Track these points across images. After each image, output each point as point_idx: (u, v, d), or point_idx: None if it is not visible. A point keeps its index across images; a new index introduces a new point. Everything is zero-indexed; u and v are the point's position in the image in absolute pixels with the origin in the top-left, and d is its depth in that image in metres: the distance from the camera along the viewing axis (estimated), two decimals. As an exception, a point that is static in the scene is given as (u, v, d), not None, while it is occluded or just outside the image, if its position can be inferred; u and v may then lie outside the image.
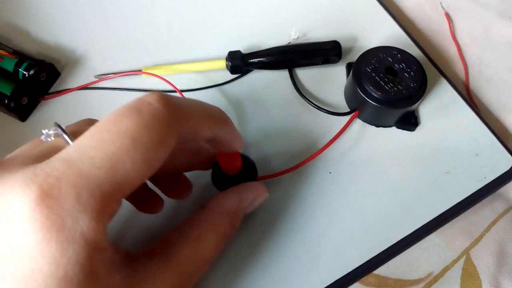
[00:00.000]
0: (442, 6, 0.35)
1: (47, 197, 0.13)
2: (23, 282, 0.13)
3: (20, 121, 0.28)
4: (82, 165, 0.13)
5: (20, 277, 0.13)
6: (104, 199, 0.14)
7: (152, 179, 0.22)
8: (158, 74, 0.29)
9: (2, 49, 0.28)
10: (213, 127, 0.18)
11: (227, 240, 0.20)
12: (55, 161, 0.14)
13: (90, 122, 0.20)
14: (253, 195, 0.21)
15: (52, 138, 0.16)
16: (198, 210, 0.20)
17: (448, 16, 0.34)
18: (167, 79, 0.28)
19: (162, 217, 0.23)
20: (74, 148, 0.14)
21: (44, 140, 0.17)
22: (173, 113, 0.15)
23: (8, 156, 0.16)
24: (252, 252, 0.23)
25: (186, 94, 0.28)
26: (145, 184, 0.19)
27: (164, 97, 0.15)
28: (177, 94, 0.28)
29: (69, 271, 0.13)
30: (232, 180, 0.22)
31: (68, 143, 0.16)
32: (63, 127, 0.16)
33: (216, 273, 0.22)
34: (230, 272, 0.23)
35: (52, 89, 0.29)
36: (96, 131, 0.14)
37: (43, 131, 0.17)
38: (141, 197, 0.21)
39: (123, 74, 0.29)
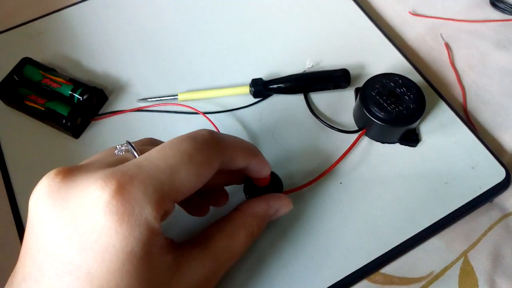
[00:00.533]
0: (442, 37, 0.39)
1: (123, 190, 0.17)
2: (100, 254, 0.17)
3: (74, 138, 0.32)
4: (150, 170, 0.18)
5: (98, 250, 0.17)
6: (164, 196, 0.18)
7: (198, 192, 0.26)
8: (191, 98, 0.33)
9: (60, 77, 0.33)
10: (247, 158, 0.22)
11: (254, 239, 0.24)
12: (130, 165, 0.18)
13: (151, 140, 0.25)
14: (279, 204, 0.25)
15: (123, 153, 0.21)
16: (232, 211, 0.25)
17: (447, 46, 0.38)
18: (197, 109, 0.33)
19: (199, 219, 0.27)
20: (145, 158, 0.19)
21: (117, 153, 0.21)
22: (217, 143, 0.20)
23: (87, 160, 0.21)
24: (274, 251, 0.27)
25: (214, 116, 0.33)
26: (195, 194, 0.23)
27: (212, 132, 0.21)
28: (209, 123, 0.32)
29: (134, 247, 0.17)
30: (261, 192, 0.26)
31: (135, 156, 0.20)
32: (132, 144, 0.21)
33: (243, 266, 0.26)
34: (255, 265, 0.26)
35: (101, 111, 0.34)
36: (162, 148, 0.19)
37: (117, 146, 0.21)
38: (192, 204, 0.25)
39: (162, 100, 0.33)
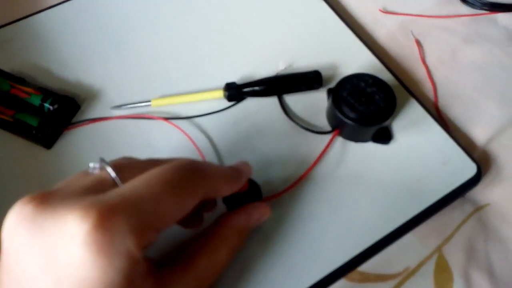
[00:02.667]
0: (412, 34, 0.39)
1: (104, 221, 0.16)
2: (77, 286, 0.16)
3: (46, 149, 0.32)
4: (133, 199, 0.17)
5: (75, 283, 0.16)
6: (147, 226, 0.18)
7: None
8: (165, 104, 0.33)
9: (29, 87, 0.33)
10: (230, 187, 0.23)
11: (236, 252, 0.24)
12: (112, 194, 0.18)
13: (126, 157, 0.24)
14: (259, 214, 0.26)
15: (97, 171, 0.20)
16: (212, 225, 0.24)
17: (418, 42, 0.39)
18: (169, 116, 0.32)
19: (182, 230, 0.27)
20: (129, 187, 0.18)
21: (91, 172, 0.20)
22: (201, 173, 0.21)
23: (58, 185, 0.20)
24: (251, 256, 0.27)
25: (189, 121, 0.33)
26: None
27: (196, 162, 0.21)
28: (182, 135, 0.32)
29: (114, 278, 0.16)
30: (240, 197, 0.26)
31: (110, 174, 0.20)
32: (106, 161, 0.20)
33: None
34: (235, 272, 0.26)
35: (74, 120, 0.33)
36: (146, 177, 0.19)
37: (90, 165, 0.21)
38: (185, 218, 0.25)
39: (135, 107, 0.33)
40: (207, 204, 0.26)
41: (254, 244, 0.27)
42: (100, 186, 0.19)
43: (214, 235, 0.23)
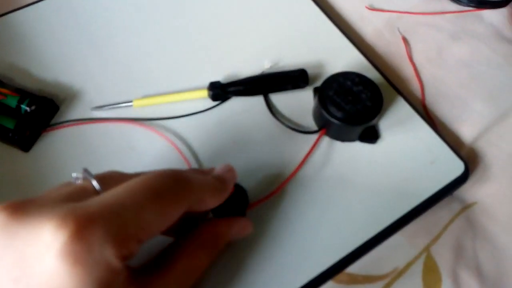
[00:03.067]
0: (399, 31, 0.39)
1: (82, 231, 0.15)
2: None
3: (23, 152, 0.31)
4: (114, 206, 0.17)
5: None
6: (128, 236, 0.17)
7: None
8: (147, 104, 0.32)
9: (5, 88, 0.32)
10: (216, 199, 0.22)
11: (215, 257, 0.24)
12: (91, 202, 0.17)
13: (113, 171, 0.23)
14: (239, 226, 0.25)
15: (80, 181, 0.19)
16: (192, 232, 0.24)
17: (405, 40, 0.38)
18: (150, 126, 0.31)
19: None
20: (109, 195, 0.17)
21: (74, 182, 0.20)
22: (186, 183, 0.20)
23: (40, 194, 0.19)
24: (237, 259, 0.26)
25: (172, 121, 0.32)
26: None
27: (180, 171, 0.20)
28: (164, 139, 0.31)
29: None
30: (226, 202, 0.24)
31: (92, 183, 0.19)
32: (89, 171, 0.19)
33: (207, 278, 0.25)
34: (221, 275, 0.26)
35: (53, 121, 0.32)
36: (128, 185, 0.18)
37: (73, 175, 0.20)
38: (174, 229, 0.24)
39: (116, 107, 0.32)
40: (194, 218, 0.25)
41: (242, 247, 0.27)
42: (80, 195, 0.18)
43: (193, 240, 0.23)
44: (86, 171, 0.19)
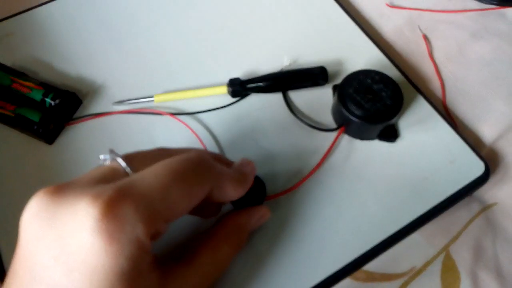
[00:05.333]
0: (420, 29, 0.39)
1: (113, 207, 0.16)
2: (88, 275, 0.16)
3: (47, 145, 0.31)
4: (142, 187, 0.17)
5: (86, 271, 0.16)
6: (156, 215, 0.17)
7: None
8: (168, 100, 0.33)
9: (30, 82, 0.32)
10: (237, 191, 0.22)
11: (238, 250, 0.24)
12: (121, 182, 0.17)
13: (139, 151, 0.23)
14: (259, 215, 0.25)
15: (108, 162, 0.20)
16: (215, 224, 0.24)
17: (425, 37, 0.38)
18: (173, 112, 0.32)
19: (184, 228, 0.27)
20: (138, 176, 0.18)
21: (102, 164, 0.20)
22: (210, 166, 0.20)
23: (74, 179, 0.19)
24: (256, 255, 0.27)
25: (192, 117, 0.32)
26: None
27: (205, 154, 0.21)
28: (186, 130, 0.32)
29: (124, 267, 0.16)
30: (245, 194, 0.25)
31: (120, 164, 0.19)
32: (116, 152, 0.20)
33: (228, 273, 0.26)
34: (240, 270, 0.26)
35: (76, 115, 0.33)
36: (156, 168, 0.18)
37: (101, 156, 0.20)
38: (200, 208, 0.25)
39: (138, 102, 0.33)
40: (212, 207, 0.26)
41: (260, 242, 0.27)
42: (111, 176, 0.18)
43: (216, 234, 0.23)
44: (112, 151, 0.20)
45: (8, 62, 0.34)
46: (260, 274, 0.26)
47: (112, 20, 0.38)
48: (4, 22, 0.38)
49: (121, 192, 0.17)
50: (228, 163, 0.25)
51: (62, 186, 0.18)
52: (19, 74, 0.33)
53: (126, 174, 0.19)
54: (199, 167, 0.20)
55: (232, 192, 0.22)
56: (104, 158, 0.20)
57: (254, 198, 0.26)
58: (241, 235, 0.24)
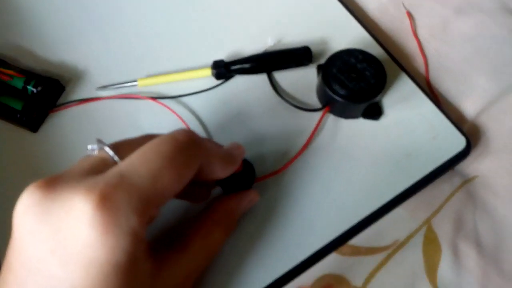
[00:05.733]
0: (404, 5, 0.39)
1: (106, 200, 0.16)
2: (85, 267, 0.16)
3: (32, 133, 0.31)
4: (132, 178, 0.17)
5: (82, 263, 0.16)
6: (148, 203, 0.18)
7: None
8: (152, 83, 0.32)
9: (10, 69, 0.32)
10: (225, 169, 0.23)
11: (229, 234, 0.25)
12: (111, 173, 0.18)
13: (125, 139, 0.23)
14: (248, 199, 0.26)
15: (96, 152, 0.20)
16: (205, 209, 0.25)
17: (409, 14, 0.38)
18: (157, 96, 0.32)
19: (174, 211, 0.27)
20: (126, 164, 0.18)
21: (90, 154, 0.20)
22: (197, 144, 0.20)
23: (65, 170, 0.19)
24: (245, 234, 0.27)
25: (177, 100, 0.32)
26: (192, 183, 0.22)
27: (191, 132, 0.21)
28: (170, 115, 0.32)
29: (120, 258, 0.17)
30: (234, 177, 0.25)
31: (108, 153, 0.19)
32: (103, 141, 0.20)
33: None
34: (230, 251, 0.27)
35: (59, 102, 0.32)
36: (142, 152, 0.19)
37: (88, 147, 0.20)
38: (190, 193, 0.25)
39: (121, 87, 0.32)
40: (202, 191, 0.26)
41: (249, 223, 0.27)
42: (100, 166, 0.19)
43: (207, 219, 0.24)
44: (99, 141, 0.20)
45: (-14, 49, 0.34)
46: (250, 254, 0.27)
47: (92, 3, 0.37)
48: (-20, 7, 0.37)
49: (112, 185, 0.17)
50: (217, 146, 0.25)
51: (53, 179, 0.18)
52: (-1, 61, 0.32)
53: (115, 163, 0.19)
54: (188, 146, 0.20)
55: (220, 170, 0.22)
56: (92, 148, 0.20)
57: (244, 182, 0.27)
58: (231, 219, 0.25)
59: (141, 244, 0.18)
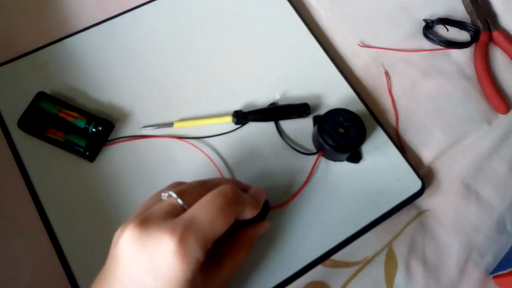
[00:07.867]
0: (383, 66, 0.48)
1: (184, 239, 0.25)
2: (168, 282, 0.25)
3: (90, 162, 0.40)
4: (198, 224, 0.26)
5: (168, 278, 0.25)
6: (208, 241, 0.27)
7: None
8: (185, 126, 0.41)
9: (73, 111, 0.40)
10: (252, 212, 0.31)
11: (249, 254, 0.34)
12: (185, 219, 0.26)
13: (177, 182, 0.33)
14: (264, 228, 0.35)
15: (166, 197, 0.29)
16: (233, 235, 0.33)
17: (387, 74, 0.48)
18: (191, 137, 0.41)
19: None
20: (192, 213, 0.27)
21: (163, 198, 0.29)
22: (238, 198, 0.29)
23: (147, 213, 0.27)
24: (256, 252, 0.37)
25: (204, 140, 0.41)
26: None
27: (234, 189, 0.29)
28: (199, 153, 0.41)
29: (190, 276, 0.26)
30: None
31: (179, 202, 0.28)
32: (174, 192, 0.29)
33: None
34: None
35: (110, 137, 0.41)
36: (203, 204, 0.27)
37: (163, 194, 0.29)
38: None
39: (161, 127, 0.41)
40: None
41: (258, 242, 0.37)
42: (174, 211, 0.27)
43: (236, 243, 0.33)
44: (170, 195, 0.29)
45: (47, 89, 0.41)
46: (258, 263, 0.36)
47: (139, 55, 0.45)
48: (40, 51, 0.44)
49: (186, 228, 0.26)
50: (245, 189, 0.34)
51: (145, 221, 0.26)
52: (63, 103, 0.40)
53: (183, 209, 0.28)
54: (232, 200, 0.28)
55: (249, 215, 0.31)
56: (165, 195, 0.29)
57: (260, 215, 0.35)
58: (251, 243, 0.34)
59: (200, 266, 0.27)
